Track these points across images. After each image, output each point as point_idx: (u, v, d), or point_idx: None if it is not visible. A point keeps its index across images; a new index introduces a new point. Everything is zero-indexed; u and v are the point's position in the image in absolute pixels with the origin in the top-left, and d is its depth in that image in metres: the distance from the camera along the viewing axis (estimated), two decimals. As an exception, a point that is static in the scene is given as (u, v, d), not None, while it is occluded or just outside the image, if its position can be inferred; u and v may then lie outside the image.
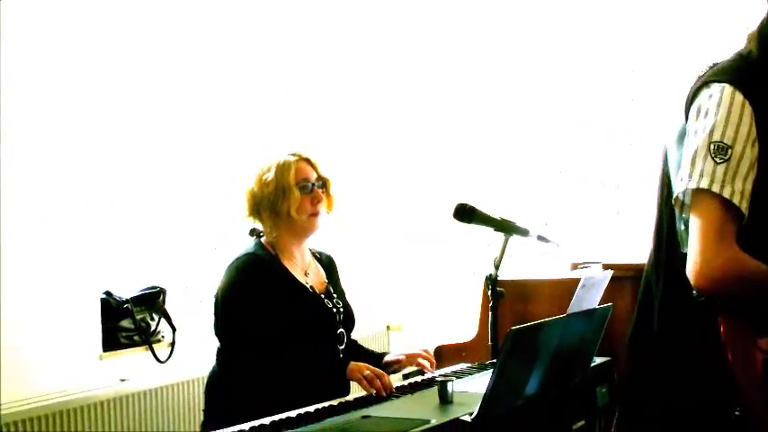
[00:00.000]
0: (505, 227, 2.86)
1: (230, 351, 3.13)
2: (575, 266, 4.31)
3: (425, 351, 3.32)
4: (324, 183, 3.30)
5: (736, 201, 2.11)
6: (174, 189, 4.40)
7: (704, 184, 2.12)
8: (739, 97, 2.14)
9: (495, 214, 2.89)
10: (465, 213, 2.87)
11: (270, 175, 3.20)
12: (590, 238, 4.79)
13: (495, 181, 5.14)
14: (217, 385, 3.20)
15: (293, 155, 3.26)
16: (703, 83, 2.21)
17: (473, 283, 4.25)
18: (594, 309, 2.71)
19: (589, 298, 2.68)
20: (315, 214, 3.24)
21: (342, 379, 3.04)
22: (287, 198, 3.17)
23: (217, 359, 3.21)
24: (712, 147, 2.12)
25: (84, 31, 3.82)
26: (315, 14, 5.03)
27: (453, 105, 5.39)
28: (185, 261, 4.39)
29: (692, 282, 2.15)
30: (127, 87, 4.12)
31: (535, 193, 5.08)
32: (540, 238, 2.91)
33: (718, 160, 2.11)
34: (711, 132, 2.13)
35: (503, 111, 5.24)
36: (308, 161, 3.28)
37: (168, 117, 4.35)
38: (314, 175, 3.27)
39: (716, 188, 2.11)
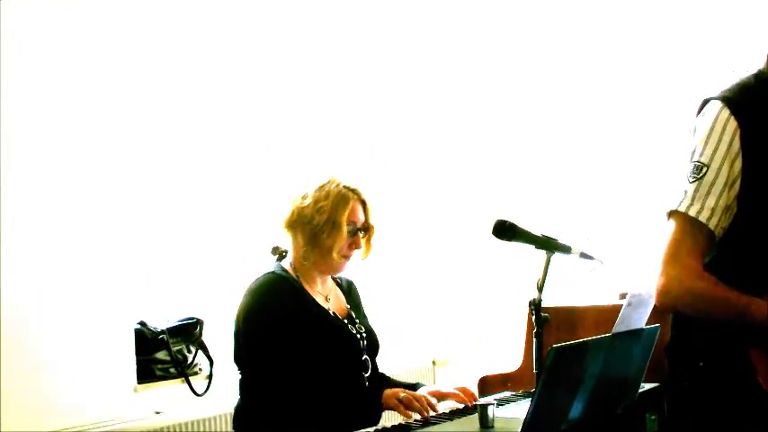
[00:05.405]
0: (547, 244, 2.75)
1: (253, 380, 3.04)
2: (623, 296, 4.19)
3: (465, 389, 3.20)
4: (368, 229, 3.22)
5: (702, 218, 2.21)
6: (214, 218, 4.34)
7: (674, 205, 2.25)
8: (725, 113, 2.22)
9: (536, 231, 2.79)
10: (505, 230, 2.76)
11: (326, 205, 3.10)
12: (639, 268, 4.66)
13: (541, 210, 5.02)
14: (243, 418, 3.11)
15: (353, 191, 3.17)
16: (704, 101, 2.31)
17: (517, 310, 4.14)
18: (642, 329, 2.60)
19: (636, 317, 2.55)
20: (346, 257, 3.16)
21: (369, 409, 2.92)
22: (333, 234, 3.09)
23: (240, 391, 3.12)
24: (691, 167, 2.25)
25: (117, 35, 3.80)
26: (351, 30, 4.96)
27: (499, 126, 5.28)
28: (223, 292, 4.30)
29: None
30: (167, 117, 4.12)
31: (584, 221, 4.96)
32: (584, 255, 2.79)
33: (691, 180, 2.23)
34: (693, 153, 2.25)
35: (552, 133, 5.13)
36: (363, 204, 3.20)
37: (207, 143, 4.33)
38: (362, 220, 3.19)
39: (682, 207, 2.24)
